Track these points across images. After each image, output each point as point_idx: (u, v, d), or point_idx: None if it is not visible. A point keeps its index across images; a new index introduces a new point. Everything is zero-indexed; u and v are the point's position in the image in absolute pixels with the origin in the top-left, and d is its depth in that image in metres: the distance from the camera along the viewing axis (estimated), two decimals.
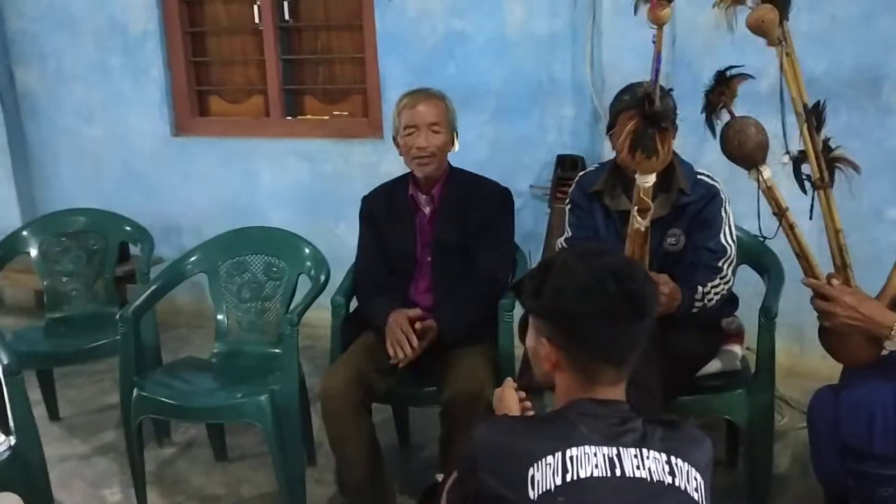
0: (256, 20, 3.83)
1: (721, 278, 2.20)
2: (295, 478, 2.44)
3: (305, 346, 3.46)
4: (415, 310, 2.35)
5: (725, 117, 1.96)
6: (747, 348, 2.47)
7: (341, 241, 3.00)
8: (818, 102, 1.75)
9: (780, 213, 1.80)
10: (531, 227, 3.47)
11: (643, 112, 1.86)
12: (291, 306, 2.60)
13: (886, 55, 2.94)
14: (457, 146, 2.51)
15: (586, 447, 1.24)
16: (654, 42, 1.90)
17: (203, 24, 4.02)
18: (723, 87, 1.91)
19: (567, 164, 3.32)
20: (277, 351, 2.59)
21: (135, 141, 4.17)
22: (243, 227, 2.94)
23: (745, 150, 1.78)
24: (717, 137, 1.89)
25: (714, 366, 2.34)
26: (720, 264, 2.20)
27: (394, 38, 3.57)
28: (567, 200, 2.43)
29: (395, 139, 2.48)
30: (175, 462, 2.85)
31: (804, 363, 3.19)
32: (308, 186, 3.91)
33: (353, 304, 2.59)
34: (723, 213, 2.23)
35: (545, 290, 1.32)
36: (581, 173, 2.47)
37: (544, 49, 3.36)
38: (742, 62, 3.10)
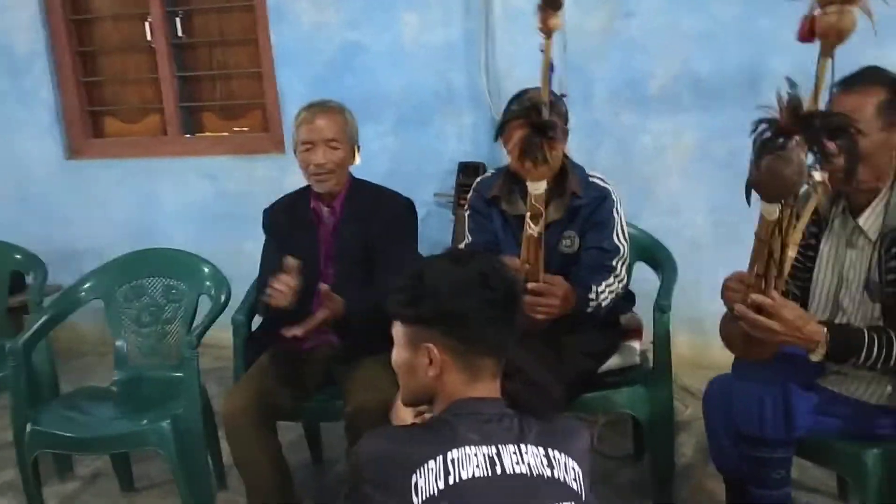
0: (148, 37, 3.75)
1: (615, 277, 2.26)
2: (204, 503, 2.39)
3: (215, 368, 3.42)
4: (292, 260, 2.27)
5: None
6: (650, 342, 2.53)
7: (248, 259, 2.94)
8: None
9: (767, 240, 1.69)
10: (437, 235, 3.48)
11: (531, 121, 1.88)
12: (192, 328, 2.55)
13: (765, 55, 3.06)
14: (358, 160, 2.49)
15: (467, 448, 1.27)
16: (542, 51, 1.94)
17: (92, 44, 3.91)
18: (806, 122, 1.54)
19: (469, 171, 3.35)
20: (180, 375, 2.53)
21: (27, 166, 4.02)
22: (140, 249, 2.87)
23: (794, 190, 1.59)
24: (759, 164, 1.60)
25: (614, 362, 2.40)
26: (614, 263, 2.26)
27: (290, 51, 3.55)
28: (466, 206, 2.46)
29: (294, 152, 2.46)
30: (79, 496, 2.75)
31: (707, 354, 3.29)
32: (211, 204, 3.84)
33: (257, 322, 2.55)
34: (615, 214, 2.29)
35: (424, 296, 1.35)
36: (478, 179, 2.49)
37: (440, 58, 3.38)
38: (631, 67, 3.25)
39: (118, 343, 2.70)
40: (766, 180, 1.57)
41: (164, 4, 3.68)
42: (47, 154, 3.97)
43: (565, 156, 2.33)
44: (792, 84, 1.53)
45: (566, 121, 2.30)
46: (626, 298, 2.46)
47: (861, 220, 1.89)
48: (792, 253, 1.81)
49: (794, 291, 2.04)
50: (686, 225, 3.30)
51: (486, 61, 3.32)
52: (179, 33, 3.75)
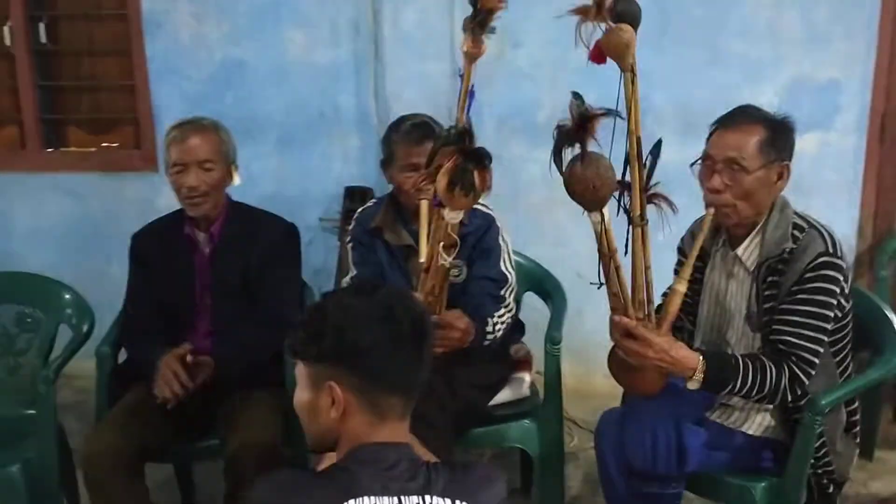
0: (7, 42, 3.45)
1: (505, 307, 2.22)
2: None
3: (75, 402, 3.15)
4: (184, 345, 2.16)
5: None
6: (537, 372, 2.50)
7: (114, 284, 2.72)
8: (660, 141, 1.69)
9: (609, 254, 1.71)
10: (322, 261, 3.37)
11: (463, 149, 1.81)
12: (50, 360, 2.32)
13: (649, 88, 3.12)
14: (237, 179, 2.35)
15: (367, 499, 1.18)
16: (460, 76, 1.94)
17: None
18: (586, 123, 1.67)
19: (355, 196, 3.25)
20: (33, 413, 2.29)
21: None
22: None
23: (599, 194, 1.62)
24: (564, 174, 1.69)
25: (505, 394, 2.35)
26: (502, 293, 2.22)
27: (166, 65, 3.35)
28: (348, 239, 2.36)
29: (166, 173, 2.29)
30: None
31: (590, 383, 3.31)
32: (74, 225, 3.56)
33: (123, 355, 2.35)
34: (500, 242, 2.25)
35: (326, 332, 1.25)
36: (359, 210, 2.41)
37: (327, 79, 3.28)
38: (520, 96, 3.25)
39: None
40: (571, 187, 1.64)
41: (26, 8, 3.40)
42: None
43: None
44: (577, 96, 1.64)
45: None
46: (516, 328, 2.43)
47: (739, 251, 1.94)
48: (681, 288, 1.83)
49: (688, 327, 2.06)
50: (571, 255, 3.29)
51: (374, 83, 3.24)
52: (43, 40, 3.47)
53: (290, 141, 3.37)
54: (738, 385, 1.80)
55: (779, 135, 1.86)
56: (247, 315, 2.27)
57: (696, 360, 1.78)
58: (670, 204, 1.75)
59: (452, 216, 1.87)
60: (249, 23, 3.28)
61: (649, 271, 1.78)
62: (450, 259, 1.92)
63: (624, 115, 1.61)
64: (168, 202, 2.43)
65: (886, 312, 2.06)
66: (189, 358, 2.12)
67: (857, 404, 2.00)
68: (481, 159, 1.82)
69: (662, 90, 3.10)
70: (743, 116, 1.88)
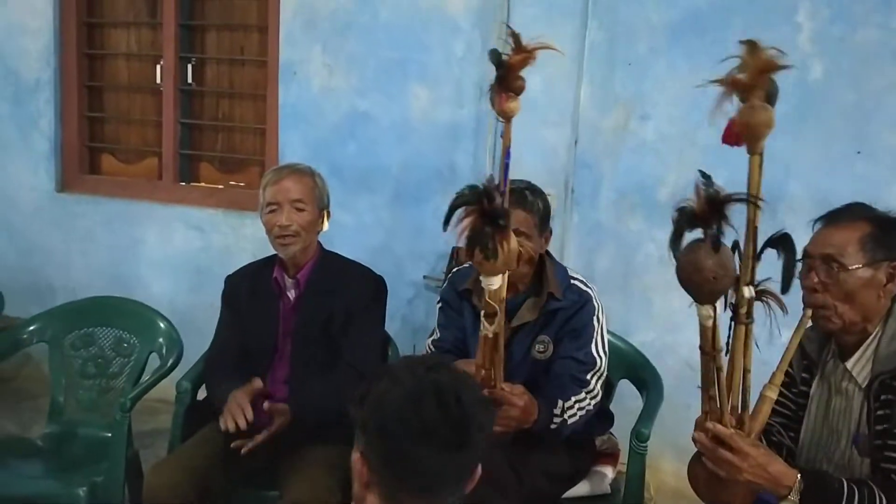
0: (158, 80, 3.67)
1: (587, 392, 2.06)
2: None
3: (163, 429, 3.21)
4: (256, 381, 2.14)
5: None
6: (622, 463, 2.31)
7: None
8: (787, 235, 1.56)
9: (713, 353, 1.56)
10: (423, 320, 3.31)
11: (481, 209, 1.71)
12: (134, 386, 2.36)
13: (785, 176, 2.91)
14: (326, 226, 2.35)
15: None
16: (501, 136, 1.78)
17: (102, 79, 3.84)
18: (715, 207, 1.51)
19: (462, 257, 3.19)
20: (110, 436, 2.33)
21: (15, 194, 3.90)
22: (98, 296, 2.71)
23: (717, 286, 1.49)
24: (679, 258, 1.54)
25: (582, 488, 2.18)
26: (588, 377, 2.06)
27: (296, 111, 3.45)
28: (438, 299, 2.29)
29: (261, 216, 2.32)
30: None
31: None
32: (195, 257, 3.69)
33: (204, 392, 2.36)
34: (594, 322, 2.10)
35: (368, 399, 1.17)
36: (455, 269, 2.33)
37: (447, 137, 3.26)
38: (642, 170, 3.11)
39: (56, 392, 2.50)
40: (687, 274, 1.47)
41: (178, 49, 3.61)
42: (38, 184, 3.86)
43: (547, 254, 2.18)
44: (706, 176, 1.47)
45: (547, 217, 2.14)
46: (604, 417, 2.26)
47: (849, 364, 1.72)
48: (770, 394, 1.64)
49: (787, 444, 1.84)
50: (683, 344, 3.08)
51: (493, 145, 3.19)
52: (189, 80, 3.67)
53: (405, 195, 3.36)
54: None
55: (888, 233, 1.68)
56: (326, 365, 2.24)
57: (793, 478, 1.59)
58: (780, 303, 1.58)
59: (488, 282, 1.76)
60: (377, 76, 3.32)
61: (748, 375, 1.61)
62: (492, 328, 1.78)
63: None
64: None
65: None
66: (266, 405, 2.10)
67: None
68: (497, 221, 1.69)
69: (799, 179, 2.88)
70: (848, 213, 1.72)
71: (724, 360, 1.58)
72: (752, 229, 1.54)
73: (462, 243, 1.78)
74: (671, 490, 2.96)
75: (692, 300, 1.52)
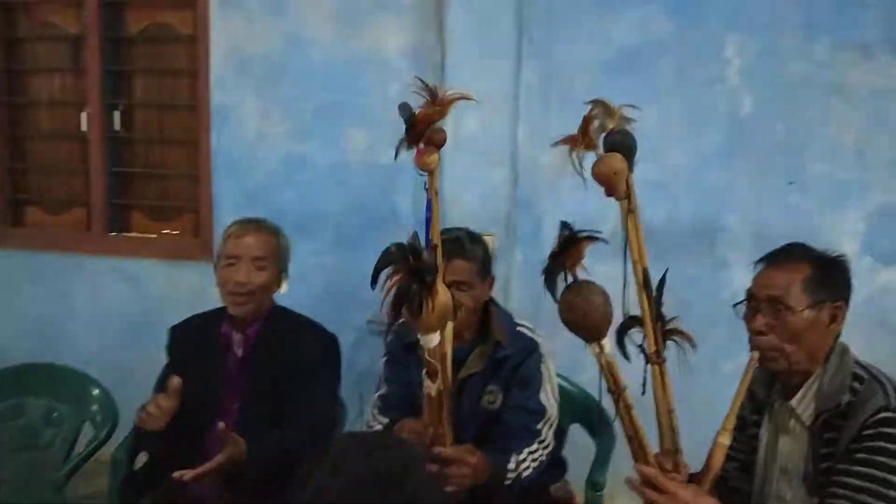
0: (83, 128, 3.54)
1: (540, 442, 2.03)
2: None
3: (102, 493, 3.06)
4: (177, 381, 2.04)
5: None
6: None
7: None
8: (665, 273, 1.63)
9: (617, 392, 1.63)
10: (367, 365, 3.23)
11: (408, 266, 1.67)
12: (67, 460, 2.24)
13: (720, 209, 2.95)
14: (284, 288, 2.28)
15: None
16: (426, 189, 1.77)
17: (24, 128, 3.69)
18: (570, 248, 1.68)
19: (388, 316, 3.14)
20: None
21: None
22: (28, 362, 2.58)
23: (590, 321, 1.58)
24: (558, 302, 1.68)
25: None
26: (538, 426, 2.03)
27: (230, 157, 3.36)
28: (384, 352, 2.23)
29: (215, 267, 2.24)
30: None
31: None
32: (129, 310, 3.55)
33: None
34: (542, 370, 2.08)
35: (309, 484, 1.11)
36: (401, 321, 2.27)
37: (387, 180, 3.22)
38: (584, 206, 3.10)
39: None
40: (563, 316, 1.60)
41: (103, 96, 3.49)
42: None
43: (492, 301, 2.15)
44: (565, 224, 1.65)
45: (488, 263, 2.12)
46: (557, 465, 2.23)
47: (794, 403, 1.73)
48: (723, 440, 1.64)
49: (745, 489, 1.83)
50: (629, 380, 3.08)
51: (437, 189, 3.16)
52: (117, 126, 3.55)
53: (347, 240, 3.30)
54: None
55: (828, 273, 1.71)
56: (273, 425, 2.16)
57: None
58: (689, 340, 1.60)
59: (426, 340, 1.73)
60: (313, 120, 3.26)
61: (673, 415, 1.62)
62: (435, 387, 1.75)
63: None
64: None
65: None
66: (220, 425, 1.98)
67: None
68: (424, 277, 1.67)
69: (735, 212, 2.92)
70: (788, 254, 1.74)
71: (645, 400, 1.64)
72: (639, 269, 1.64)
73: (388, 303, 1.74)
74: None
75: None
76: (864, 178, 2.83)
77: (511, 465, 1.94)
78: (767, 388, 1.82)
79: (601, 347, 1.56)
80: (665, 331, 1.63)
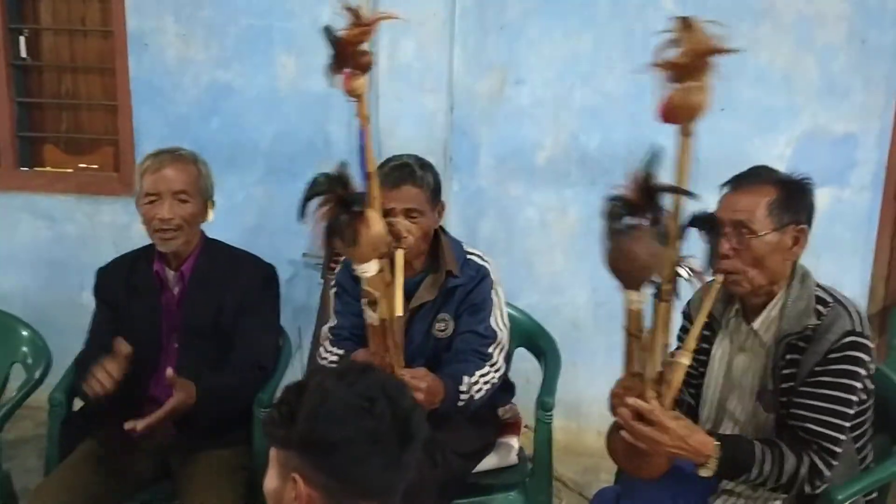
0: None
1: (491, 365, 2.04)
2: None
3: (36, 436, 2.96)
4: (125, 347, 1.97)
5: None
6: (525, 426, 2.32)
7: (86, 312, 2.57)
8: (712, 215, 1.59)
9: (638, 335, 1.58)
10: (304, 299, 3.20)
11: (337, 196, 1.64)
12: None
13: (653, 134, 2.98)
14: (211, 216, 2.19)
15: None
16: (357, 116, 1.71)
17: None
18: (652, 195, 1.50)
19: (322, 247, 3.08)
20: None
21: None
22: None
23: (645, 272, 1.50)
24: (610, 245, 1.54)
25: (490, 461, 2.17)
26: (490, 350, 2.05)
27: (150, 86, 3.19)
28: (333, 283, 2.20)
29: (136, 204, 2.13)
30: None
31: (581, 440, 3.15)
32: (46, 249, 3.39)
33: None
34: (493, 296, 2.08)
35: (298, 418, 1.09)
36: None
37: (319, 108, 3.12)
38: (518, 133, 3.10)
39: None
40: (619, 262, 1.49)
41: (5, 21, 3.24)
42: None
43: (442, 230, 2.13)
44: (646, 160, 1.48)
45: (438, 190, 2.09)
46: (505, 389, 2.26)
47: (756, 324, 1.78)
48: (685, 360, 1.68)
49: (688, 400, 1.90)
50: (567, 304, 3.15)
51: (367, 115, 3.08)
52: (23, 54, 3.32)
53: (278, 171, 3.21)
54: (755, 474, 1.65)
55: (793, 196, 1.73)
56: (216, 362, 2.11)
57: (711, 447, 1.64)
58: (700, 276, 1.60)
59: (362, 269, 1.71)
60: (239, 46, 3.13)
61: (666, 349, 1.64)
62: (376, 316, 1.74)
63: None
64: (144, 230, 2.27)
65: None
66: (168, 372, 1.92)
67: (875, 494, 1.84)
68: (352, 206, 1.64)
69: (669, 137, 2.96)
70: (754, 178, 1.75)
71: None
72: (676, 211, 1.56)
73: (319, 234, 1.70)
74: (561, 447, 3.01)
75: (619, 283, 1.53)
76: (791, 104, 2.90)
77: (463, 388, 1.95)
78: (724, 308, 1.86)
79: (640, 294, 1.54)
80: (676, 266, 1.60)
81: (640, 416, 1.59)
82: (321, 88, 3.12)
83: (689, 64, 1.42)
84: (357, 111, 1.74)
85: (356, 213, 1.65)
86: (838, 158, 2.92)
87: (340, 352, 2.06)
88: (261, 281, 2.21)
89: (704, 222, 1.55)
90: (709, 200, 1.76)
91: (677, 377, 1.65)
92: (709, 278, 1.65)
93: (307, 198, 1.69)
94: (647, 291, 1.54)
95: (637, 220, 1.46)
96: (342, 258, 2.23)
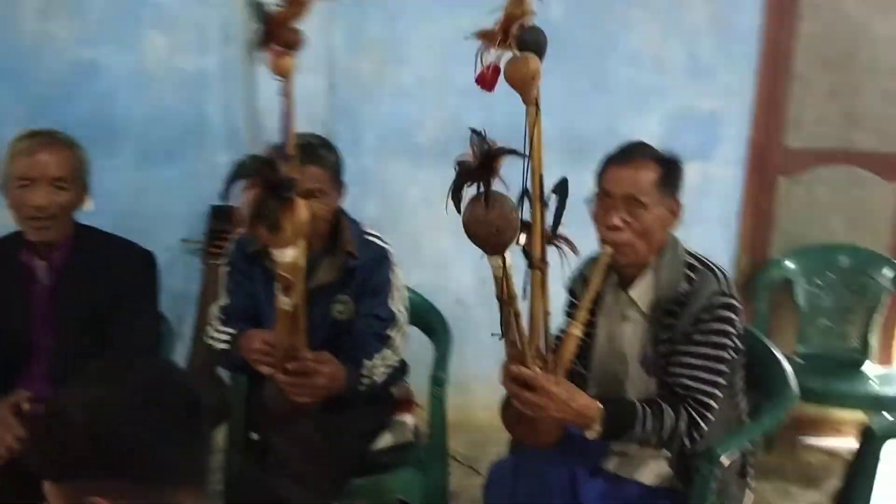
0: None
1: (391, 348, 2.05)
2: None
3: None
4: (19, 393, 1.88)
5: None
6: (416, 405, 2.34)
7: None
8: (564, 180, 1.60)
9: (509, 300, 1.59)
10: (182, 287, 3.07)
11: (264, 179, 1.60)
12: None
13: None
14: (89, 205, 2.08)
15: None
16: (282, 95, 1.66)
17: None
18: (491, 161, 1.52)
19: (222, 216, 2.99)
20: None
21: None
22: None
23: (503, 237, 1.50)
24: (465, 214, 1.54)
25: (386, 440, 2.18)
26: (389, 333, 2.05)
27: (5, 64, 2.98)
28: (225, 262, 2.13)
29: (3, 188, 1.99)
30: None
31: (471, 416, 3.18)
32: None
33: None
34: (391, 278, 2.08)
35: (73, 443, 0.96)
36: (239, 231, 2.17)
37: (193, 87, 3.01)
38: (400, 113, 3.10)
39: None
40: (472, 229, 1.51)
41: None
42: None
43: (341, 211, 2.10)
44: (479, 133, 1.50)
45: (340, 170, 2.07)
46: (399, 368, 2.26)
47: (633, 293, 1.86)
48: (577, 332, 1.73)
49: (579, 370, 1.96)
50: (453, 282, 3.19)
51: (245, 95, 3.00)
52: None
53: (152, 153, 3.07)
54: (638, 432, 1.71)
55: (673, 171, 1.83)
56: (94, 357, 1.99)
57: (594, 409, 1.69)
58: (572, 246, 1.66)
59: (280, 255, 1.67)
60: (105, 22, 2.96)
61: (548, 318, 1.68)
62: (290, 301, 1.71)
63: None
64: (4, 221, 2.12)
65: (775, 353, 2.04)
66: (26, 406, 1.82)
67: (749, 447, 1.96)
68: (283, 193, 1.62)
69: (549, 116, 3.02)
70: (637, 153, 1.82)
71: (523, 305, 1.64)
72: (537, 177, 1.58)
73: (245, 218, 1.66)
74: (451, 423, 3.05)
75: (481, 251, 1.54)
76: (662, 83, 3.03)
77: (364, 371, 1.95)
78: (602, 278, 1.91)
79: (504, 260, 1.55)
80: (549, 237, 1.63)
81: (524, 383, 1.63)
82: (195, 67, 3.03)
83: (502, 31, 1.47)
84: (283, 90, 1.68)
85: (285, 199, 1.60)
86: (705, 135, 3.08)
87: (232, 331, 2.00)
88: (138, 268, 2.12)
89: (558, 189, 1.60)
90: (585, 175, 1.83)
91: (569, 350, 1.71)
92: (581, 248, 1.71)
93: (231, 179, 1.63)
94: (510, 258, 1.55)
95: (484, 187, 1.49)
96: (228, 240, 2.16)
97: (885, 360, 3.20)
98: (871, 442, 1.92)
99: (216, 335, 2.03)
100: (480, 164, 1.45)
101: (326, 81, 2.99)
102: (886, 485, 2.03)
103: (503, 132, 3.03)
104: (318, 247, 2.03)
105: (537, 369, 1.64)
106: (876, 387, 2.94)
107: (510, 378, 1.64)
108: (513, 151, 1.47)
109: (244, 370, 1.97)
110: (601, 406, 1.69)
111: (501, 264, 1.53)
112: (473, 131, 1.49)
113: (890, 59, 3.07)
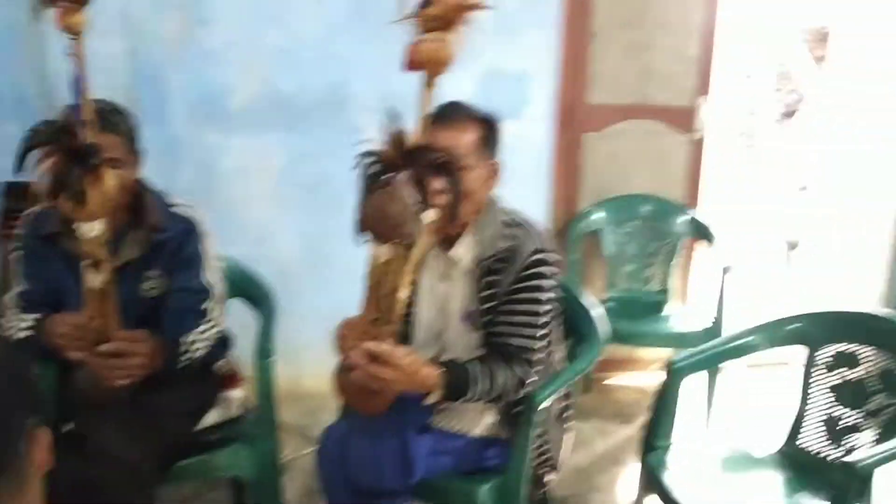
0: None
1: (208, 322, 1.98)
2: None
3: None
4: None
5: None
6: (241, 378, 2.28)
7: None
8: (447, 160, 1.55)
9: (390, 290, 1.57)
10: None
11: (63, 147, 1.49)
12: None
13: (347, 76, 3.02)
14: None
15: None
16: (71, 55, 1.53)
17: None
18: (398, 146, 1.47)
19: (18, 193, 2.74)
20: None
21: None
22: None
23: (400, 229, 1.47)
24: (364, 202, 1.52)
25: (213, 417, 2.12)
26: (206, 306, 1.98)
27: None
28: (15, 246, 1.96)
29: None
30: None
31: (300, 385, 3.16)
32: None
33: None
34: (203, 249, 2.00)
35: None
36: (29, 212, 2.00)
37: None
38: (211, 79, 2.96)
39: None
40: (374, 219, 1.50)
41: None
42: None
43: (141, 182, 1.99)
44: (394, 116, 1.47)
45: (135, 137, 1.95)
46: (221, 343, 2.19)
47: (454, 253, 1.90)
48: (403, 295, 1.74)
49: (401, 330, 1.98)
50: (275, 251, 3.12)
51: (34, 59, 2.75)
52: None
53: None
54: (476, 393, 1.76)
55: (493, 132, 1.86)
56: None
57: (436, 377, 1.72)
58: None
59: (86, 229, 1.57)
60: None
61: (397, 293, 1.66)
62: (100, 278, 1.62)
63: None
64: None
65: (584, 303, 2.14)
66: None
67: (566, 391, 2.07)
68: (87, 159, 1.53)
69: (362, 79, 3.02)
70: (457, 114, 1.82)
71: None
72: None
73: (44, 189, 1.53)
74: (283, 393, 3.02)
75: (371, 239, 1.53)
76: (473, 44, 3.07)
77: (182, 348, 1.87)
78: None
79: (387, 248, 1.51)
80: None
81: (374, 357, 1.61)
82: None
83: (443, 15, 1.45)
84: (73, 49, 1.53)
85: (90, 167, 1.48)
86: (515, 94, 3.18)
87: (36, 316, 1.85)
88: None
89: (444, 167, 1.57)
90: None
91: (398, 311, 1.71)
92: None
93: (28, 148, 1.50)
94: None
95: (392, 177, 1.46)
96: (23, 220, 1.99)
97: (682, 300, 3.48)
98: (672, 376, 2.08)
99: (16, 323, 1.88)
100: (403, 154, 1.42)
101: (127, 44, 2.81)
102: (687, 414, 2.22)
103: (319, 99, 3.02)
104: (121, 221, 1.91)
105: (391, 344, 1.62)
106: (676, 325, 3.18)
107: (363, 353, 1.61)
108: (434, 149, 1.46)
109: (52, 357, 1.83)
110: (440, 372, 1.72)
111: (387, 253, 1.51)
112: (389, 114, 1.45)
113: (678, 19, 3.28)
